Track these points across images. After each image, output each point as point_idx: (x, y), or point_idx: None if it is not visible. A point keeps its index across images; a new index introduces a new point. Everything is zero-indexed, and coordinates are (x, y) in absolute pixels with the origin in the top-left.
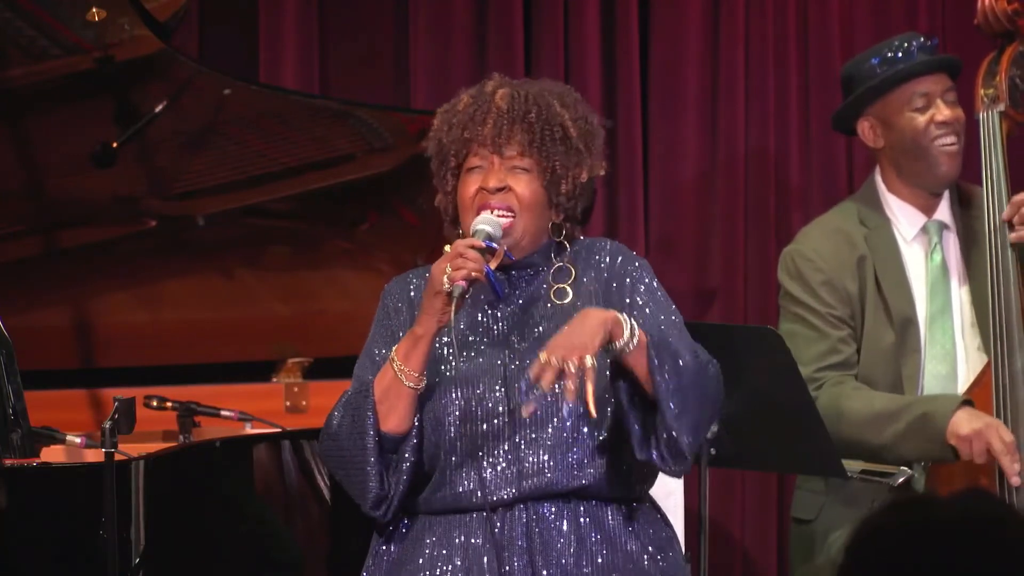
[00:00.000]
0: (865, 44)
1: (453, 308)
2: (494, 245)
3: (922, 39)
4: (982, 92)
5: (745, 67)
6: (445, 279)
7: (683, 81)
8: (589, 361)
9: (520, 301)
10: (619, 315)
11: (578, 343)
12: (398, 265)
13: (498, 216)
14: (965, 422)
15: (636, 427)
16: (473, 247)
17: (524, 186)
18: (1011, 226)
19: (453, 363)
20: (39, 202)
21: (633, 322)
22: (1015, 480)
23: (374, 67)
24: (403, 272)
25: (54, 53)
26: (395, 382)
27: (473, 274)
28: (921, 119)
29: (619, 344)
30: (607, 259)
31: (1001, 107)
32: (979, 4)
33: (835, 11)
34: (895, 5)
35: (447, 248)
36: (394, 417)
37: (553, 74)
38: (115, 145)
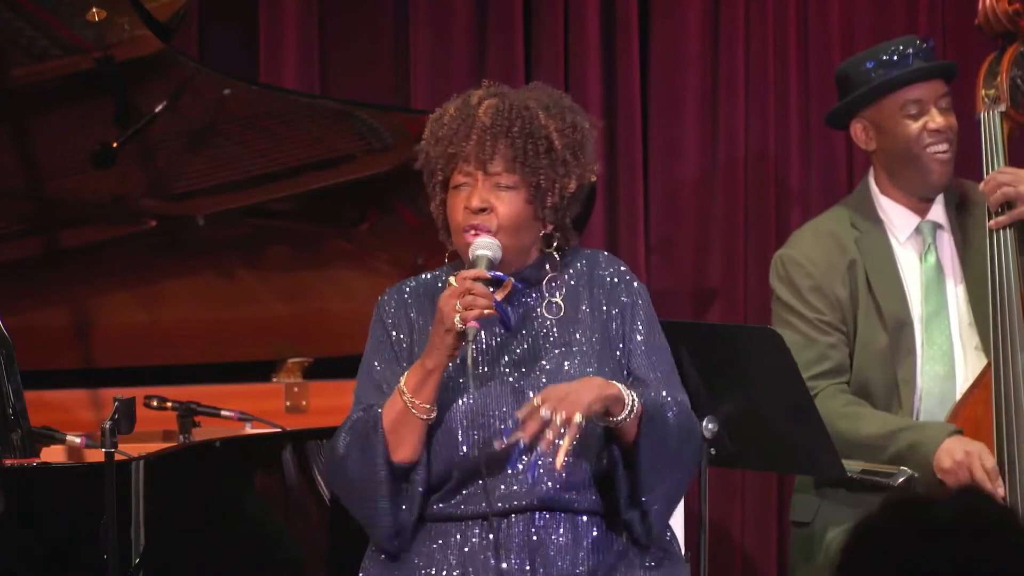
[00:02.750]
0: (865, 44)
1: (470, 347)
2: (502, 276)
3: (919, 42)
4: (983, 92)
5: (745, 67)
6: (457, 319)
7: (683, 81)
8: (578, 418)
9: (517, 315)
10: (622, 391)
11: (573, 399)
12: (398, 265)
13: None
14: (947, 456)
15: (624, 489)
16: (479, 278)
17: (506, 205)
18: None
19: (463, 388)
20: (39, 202)
21: (635, 397)
22: None
23: (374, 67)
24: (403, 272)
25: (54, 53)
26: (405, 414)
27: (485, 312)
28: (914, 126)
29: (615, 420)
30: (607, 277)
31: (1002, 107)
32: (980, 4)
33: (835, 11)
34: (895, 5)
35: (452, 281)
36: (405, 448)
37: (553, 75)
38: (115, 145)
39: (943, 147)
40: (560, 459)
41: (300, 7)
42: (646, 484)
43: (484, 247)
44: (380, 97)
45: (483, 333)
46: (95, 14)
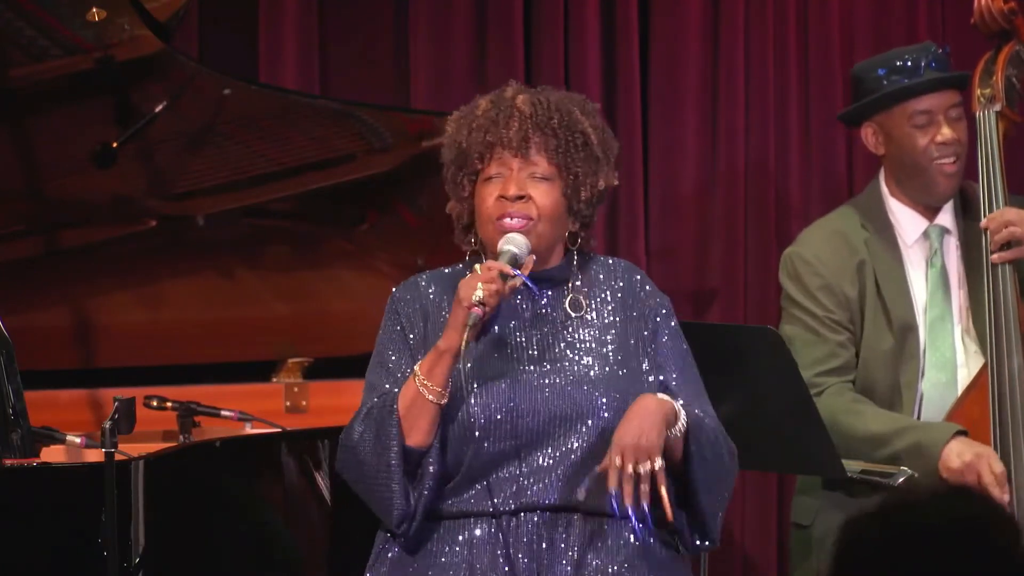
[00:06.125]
0: (865, 44)
1: (466, 334)
2: (523, 277)
3: (934, 49)
4: (979, 92)
5: (745, 67)
6: (477, 294)
7: (683, 81)
8: (659, 463)
9: (540, 312)
10: (675, 404)
11: (645, 444)
12: (398, 265)
13: (517, 223)
14: (955, 456)
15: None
16: (501, 272)
17: (544, 195)
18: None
19: (474, 378)
20: (39, 202)
21: (680, 407)
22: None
23: (374, 67)
24: (403, 272)
25: (54, 53)
26: (418, 397)
27: (497, 289)
28: (922, 138)
29: (671, 434)
30: (632, 284)
31: (998, 107)
32: (976, 3)
33: (835, 11)
34: (895, 5)
35: (477, 268)
36: (417, 432)
37: (553, 74)
38: (115, 145)
39: (950, 159)
40: (668, 509)
41: (300, 7)
42: (703, 497)
43: (513, 243)
44: (380, 97)
45: (504, 329)
46: (95, 14)
